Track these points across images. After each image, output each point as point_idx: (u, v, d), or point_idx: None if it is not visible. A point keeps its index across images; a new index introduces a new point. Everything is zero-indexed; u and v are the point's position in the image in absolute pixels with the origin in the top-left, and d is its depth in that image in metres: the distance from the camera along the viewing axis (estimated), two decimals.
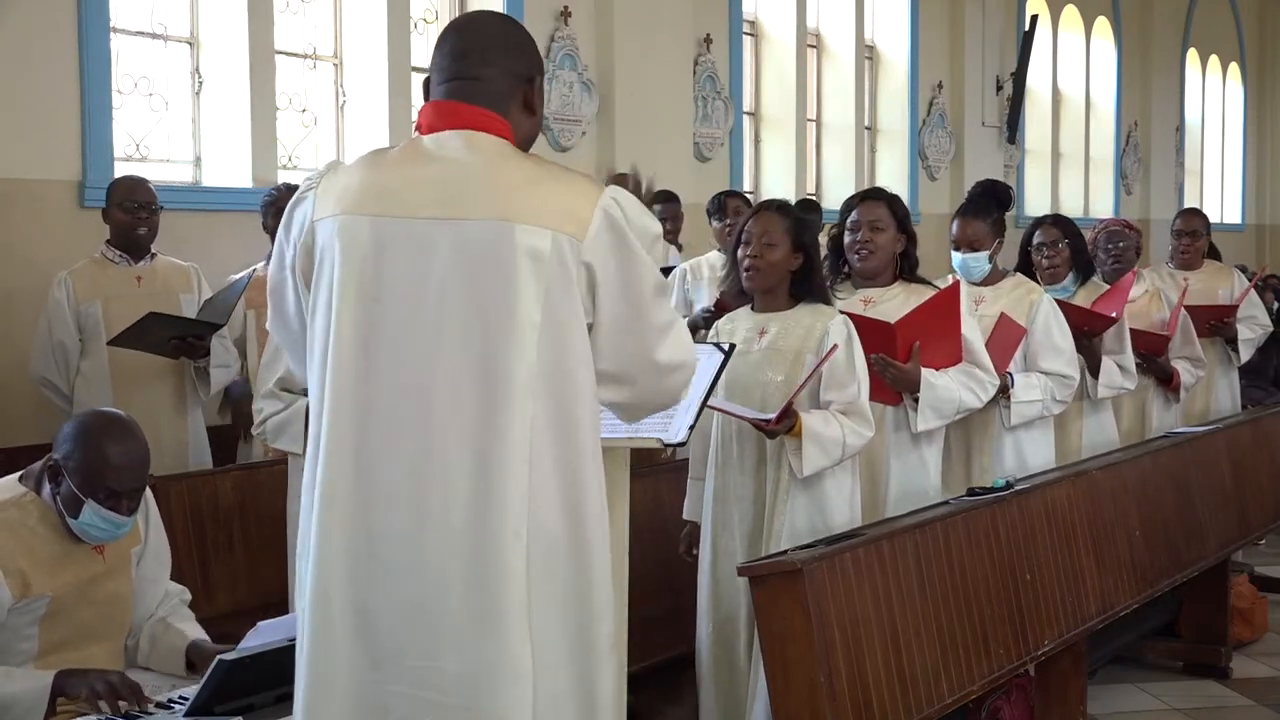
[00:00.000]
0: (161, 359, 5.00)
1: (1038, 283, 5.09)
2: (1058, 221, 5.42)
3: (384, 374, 2.34)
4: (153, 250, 5.18)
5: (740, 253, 3.90)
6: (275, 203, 5.41)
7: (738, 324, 3.97)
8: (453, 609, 2.31)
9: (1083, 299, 5.19)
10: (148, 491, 3.36)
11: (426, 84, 2.54)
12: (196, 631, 3.38)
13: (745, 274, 3.89)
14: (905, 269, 4.34)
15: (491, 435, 2.30)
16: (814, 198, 8.56)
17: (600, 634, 2.42)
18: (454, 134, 2.40)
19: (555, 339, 2.33)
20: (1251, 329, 6.63)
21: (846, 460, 3.85)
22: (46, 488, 3.16)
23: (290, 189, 5.53)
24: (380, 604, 2.34)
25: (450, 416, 2.31)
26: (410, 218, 2.34)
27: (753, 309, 3.97)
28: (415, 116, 7.61)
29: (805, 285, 3.93)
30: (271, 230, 5.41)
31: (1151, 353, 5.68)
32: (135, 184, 5.20)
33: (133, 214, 5.07)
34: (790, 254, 3.87)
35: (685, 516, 4.12)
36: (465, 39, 2.48)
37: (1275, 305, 7.40)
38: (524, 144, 2.49)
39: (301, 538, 2.42)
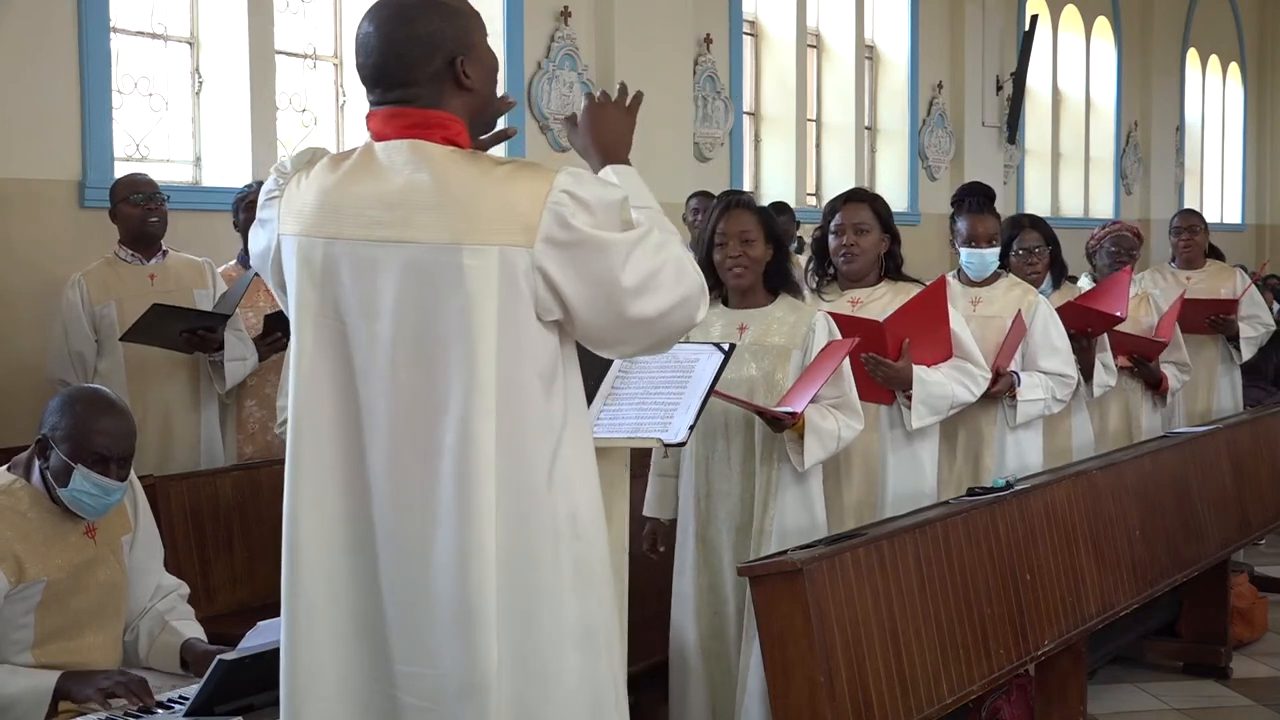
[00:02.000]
0: (178, 356, 5.01)
1: None
2: (1035, 224, 5.43)
3: (345, 393, 2.38)
4: (164, 247, 5.17)
5: (719, 255, 3.89)
6: (247, 198, 5.37)
7: (712, 320, 3.92)
8: (426, 619, 2.35)
9: (1056, 302, 5.19)
10: (137, 483, 3.39)
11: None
12: (192, 630, 3.39)
13: (732, 274, 3.89)
14: (891, 269, 4.35)
15: (453, 454, 2.32)
16: (783, 201, 8.59)
17: (588, 637, 2.42)
18: (401, 145, 2.38)
19: (508, 354, 2.33)
20: (1254, 328, 6.64)
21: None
22: (35, 473, 3.19)
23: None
24: (358, 610, 2.39)
25: (411, 436, 2.34)
26: (361, 240, 2.35)
27: (726, 305, 3.97)
28: None
29: (779, 277, 3.95)
30: (244, 226, 5.35)
31: (1144, 357, 5.68)
32: (137, 177, 5.20)
33: (141, 205, 5.05)
34: (765, 247, 3.90)
35: (647, 513, 4.12)
36: (372, 65, 2.44)
37: (1275, 305, 7.40)
38: (474, 119, 2.46)
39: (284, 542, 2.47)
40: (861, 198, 4.39)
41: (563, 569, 2.38)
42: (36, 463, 3.19)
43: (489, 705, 2.31)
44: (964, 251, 4.88)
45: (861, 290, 4.32)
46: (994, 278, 4.90)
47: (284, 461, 4.17)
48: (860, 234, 4.27)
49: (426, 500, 2.33)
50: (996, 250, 4.85)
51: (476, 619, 2.31)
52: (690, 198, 7.24)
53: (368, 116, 2.47)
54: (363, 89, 2.54)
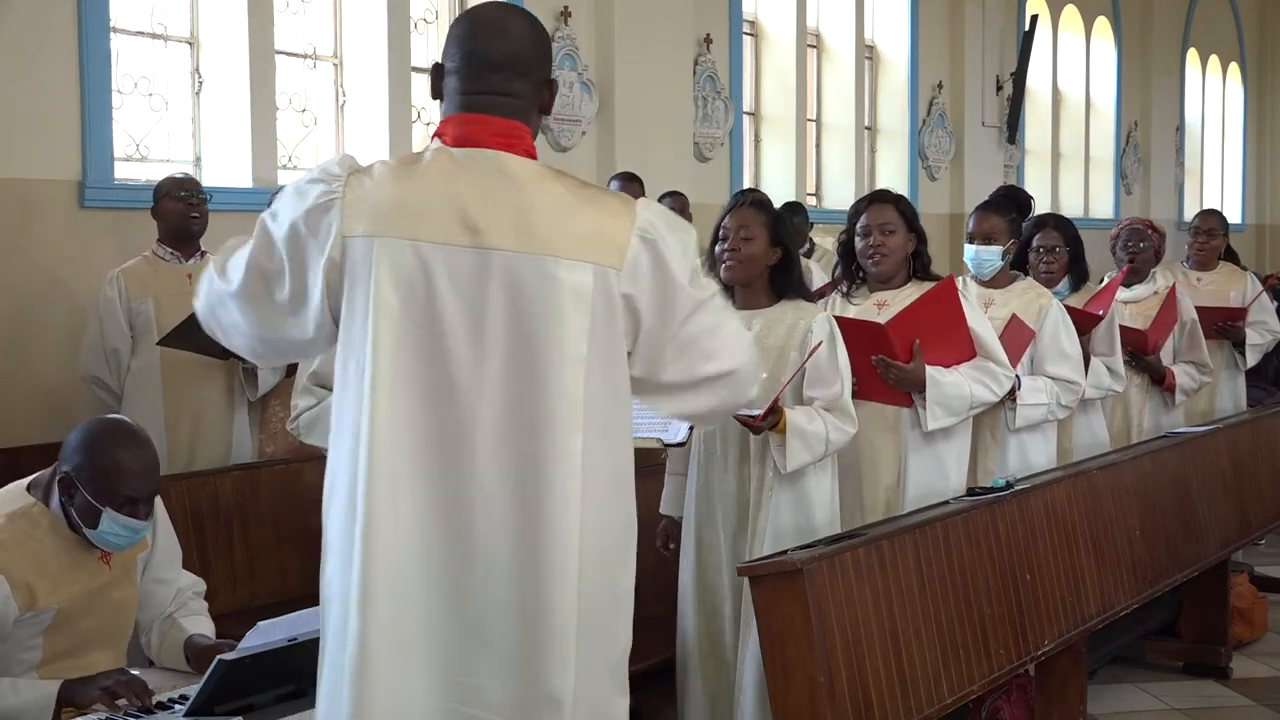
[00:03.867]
0: (212, 359, 5.03)
1: None
2: (1059, 224, 5.40)
3: (428, 404, 2.33)
4: (203, 248, 5.22)
5: (718, 247, 3.91)
6: None
7: None
8: (499, 633, 2.32)
9: (1075, 304, 5.18)
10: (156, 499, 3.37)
11: (437, 70, 2.48)
12: (196, 626, 3.38)
13: (724, 267, 3.89)
14: (918, 268, 4.33)
15: (539, 466, 2.32)
16: (798, 200, 8.57)
17: (622, 662, 2.47)
18: (486, 154, 2.38)
19: (600, 369, 2.36)
20: (1261, 334, 6.60)
21: (827, 460, 3.88)
22: (55, 498, 3.14)
23: None
24: (423, 621, 2.33)
25: (498, 447, 2.32)
26: (453, 245, 2.32)
27: (734, 305, 3.97)
28: (416, 115, 7.55)
29: (785, 281, 3.94)
30: None
31: (1137, 349, 5.63)
32: (184, 177, 5.29)
33: (184, 201, 5.11)
34: (768, 248, 3.89)
35: (662, 511, 4.14)
36: (500, 48, 2.43)
37: (1277, 305, 7.37)
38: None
39: (331, 553, 2.39)
40: (886, 198, 4.37)
41: (614, 587, 2.42)
42: (56, 492, 3.15)
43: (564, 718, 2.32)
44: (965, 247, 4.88)
45: (889, 292, 4.29)
46: (1009, 280, 4.87)
47: (287, 461, 4.12)
48: (886, 235, 4.25)
49: (521, 512, 2.32)
50: (995, 249, 4.80)
51: (560, 633, 2.31)
52: (662, 197, 7.18)
53: (447, 119, 2.44)
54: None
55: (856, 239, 4.32)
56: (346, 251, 2.35)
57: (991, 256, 4.80)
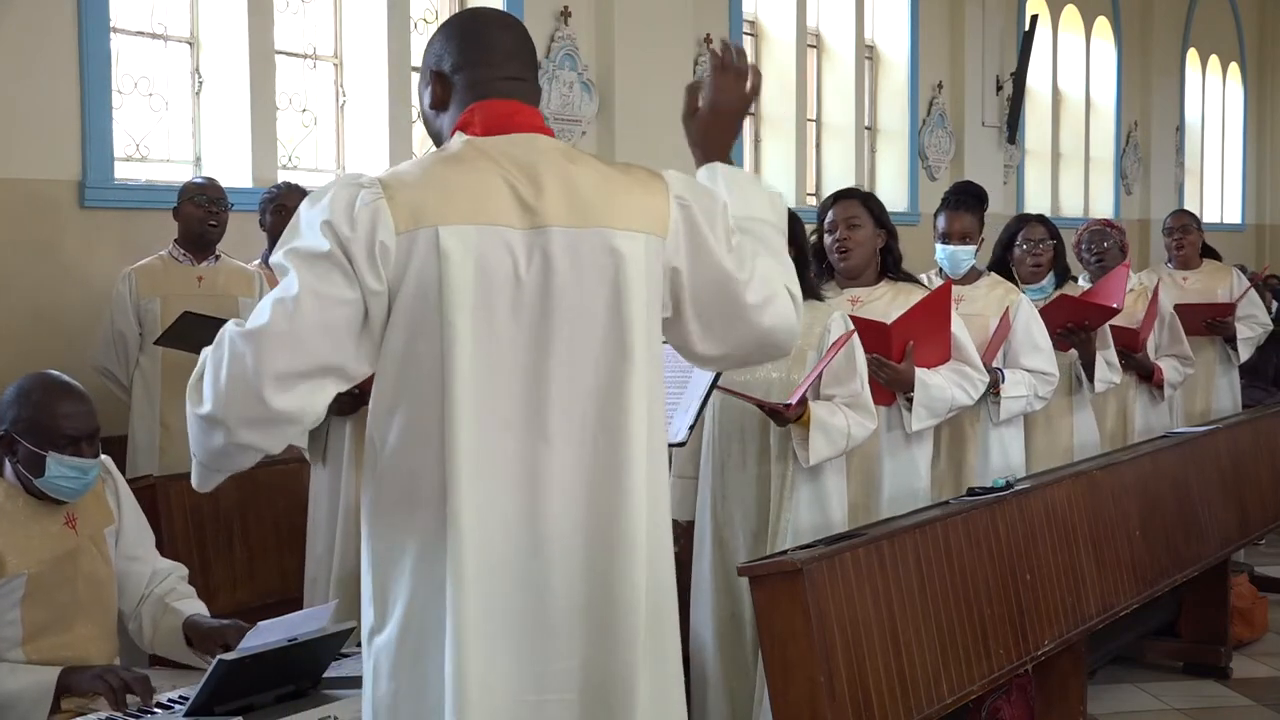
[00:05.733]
0: None
1: (1015, 281, 5.16)
2: (1042, 220, 5.47)
3: (503, 390, 2.31)
4: (218, 252, 5.30)
5: None
6: (276, 200, 5.46)
7: None
8: (577, 612, 2.31)
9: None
10: (117, 473, 3.41)
11: (439, 78, 2.43)
12: (192, 607, 3.39)
13: None
14: (890, 265, 4.34)
15: (616, 437, 2.33)
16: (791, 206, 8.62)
17: (678, 643, 2.50)
18: (523, 137, 2.38)
19: (650, 336, 2.40)
20: (1251, 328, 6.64)
21: (841, 457, 3.88)
22: (8, 467, 3.18)
23: (291, 188, 5.55)
24: (513, 612, 2.30)
25: (574, 425, 2.32)
26: (512, 227, 2.31)
27: None
28: (416, 115, 7.56)
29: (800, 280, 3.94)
30: (271, 228, 5.46)
31: (1126, 348, 5.63)
32: (206, 182, 5.36)
33: (203, 208, 5.21)
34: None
35: (673, 516, 4.13)
36: (513, 39, 2.47)
37: (1275, 305, 7.40)
38: None
39: (379, 545, 2.34)
40: (852, 194, 4.41)
41: (668, 568, 2.43)
42: (6, 458, 3.19)
43: (639, 693, 2.32)
44: (937, 247, 4.92)
45: (861, 289, 4.32)
46: (976, 276, 4.92)
47: (287, 461, 4.11)
48: (852, 228, 4.27)
49: (599, 489, 2.32)
50: (971, 249, 4.89)
51: (634, 609, 2.31)
52: None
53: (473, 108, 2.39)
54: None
55: (825, 236, 4.34)
56: (398, 249, 2.26)
57: (968, 256, 4.90)
